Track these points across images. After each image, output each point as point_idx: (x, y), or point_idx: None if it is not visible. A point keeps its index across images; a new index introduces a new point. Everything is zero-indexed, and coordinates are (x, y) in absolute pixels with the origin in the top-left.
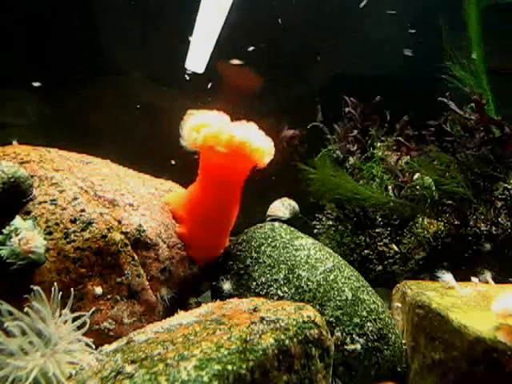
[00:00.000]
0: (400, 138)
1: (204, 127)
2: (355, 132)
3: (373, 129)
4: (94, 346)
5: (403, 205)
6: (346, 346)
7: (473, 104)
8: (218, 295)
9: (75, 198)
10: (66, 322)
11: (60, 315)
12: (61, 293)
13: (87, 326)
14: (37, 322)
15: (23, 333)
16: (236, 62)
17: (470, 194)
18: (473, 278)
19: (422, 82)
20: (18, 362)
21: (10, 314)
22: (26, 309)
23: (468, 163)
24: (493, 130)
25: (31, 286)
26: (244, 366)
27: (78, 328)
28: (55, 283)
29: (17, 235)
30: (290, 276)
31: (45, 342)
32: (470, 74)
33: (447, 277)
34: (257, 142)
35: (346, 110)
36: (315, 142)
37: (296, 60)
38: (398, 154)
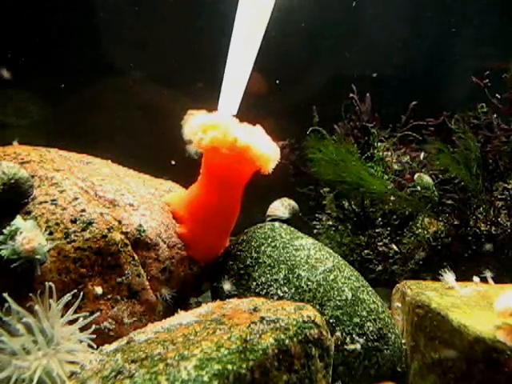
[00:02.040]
0: (408, 132)
1: (211, 129)
2: (355, 132)
3: (374, 128)
4: (95, 346)
5: (406, 199)
6: (345, 346)
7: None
8: (218, 295)
9: (75, 198)
10: (69, 322)
11: (62, 315)
12: (68, 294)
13: (92, 328)
14: (42, 320)
15: (28, 331)
16: None
17: (476, 186)
18: (474, 278)
19: (423, 82)
20: (20, 362)
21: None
22: (35, 307)
23: (468, 162)
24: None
25: (46, 283)
26: (244, 366)
27: (81, 329)
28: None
29: (18, 235)
30: (290, 276)
31: (47, 341)
32: None
33: (448, 277)
34: (260, 148)
35: (352, 95)
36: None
37: (299, 61)
38: (398, 153)
